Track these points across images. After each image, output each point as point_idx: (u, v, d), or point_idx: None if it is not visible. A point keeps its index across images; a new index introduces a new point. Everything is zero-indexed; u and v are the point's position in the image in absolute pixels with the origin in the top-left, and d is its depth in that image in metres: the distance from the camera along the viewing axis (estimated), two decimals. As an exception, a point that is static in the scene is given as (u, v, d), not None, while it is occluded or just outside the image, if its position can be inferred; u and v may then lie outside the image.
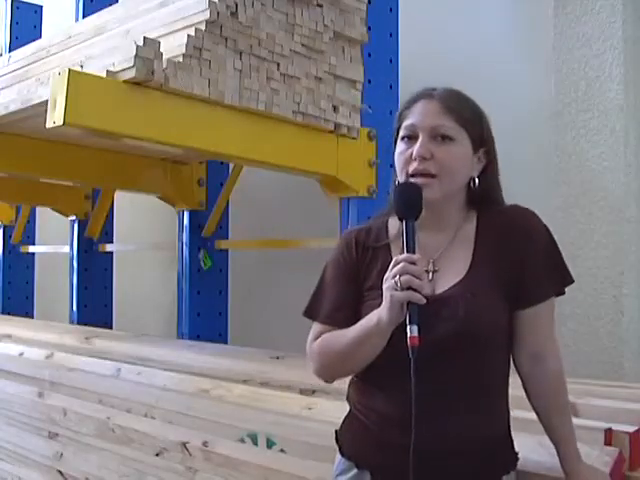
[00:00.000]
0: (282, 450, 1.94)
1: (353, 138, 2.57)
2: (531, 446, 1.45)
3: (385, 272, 1.23)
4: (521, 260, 1.29)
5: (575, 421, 1.57)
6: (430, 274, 1.29)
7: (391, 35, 2.77)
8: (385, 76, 2.73)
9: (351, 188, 2.59)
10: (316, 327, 1.37)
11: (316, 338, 1.35)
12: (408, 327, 1.16)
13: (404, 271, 1.16)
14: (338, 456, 1.40)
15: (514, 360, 1.35)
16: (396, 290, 1.17)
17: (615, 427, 1.51)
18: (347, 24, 2.51)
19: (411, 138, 1.30)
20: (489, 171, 1.35)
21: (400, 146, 1.32)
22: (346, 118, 2.53)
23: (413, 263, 1.17)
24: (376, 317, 1.22)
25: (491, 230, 1.32)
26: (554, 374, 1.33)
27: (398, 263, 1.18)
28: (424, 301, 1.16)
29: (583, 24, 2.71)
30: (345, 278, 1.36)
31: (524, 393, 1.36)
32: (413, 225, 1.22)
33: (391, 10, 2.78)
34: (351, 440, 1.38)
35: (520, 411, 1.48)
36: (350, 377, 1.41)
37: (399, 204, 1.25)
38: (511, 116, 2.94)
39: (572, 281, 1.34)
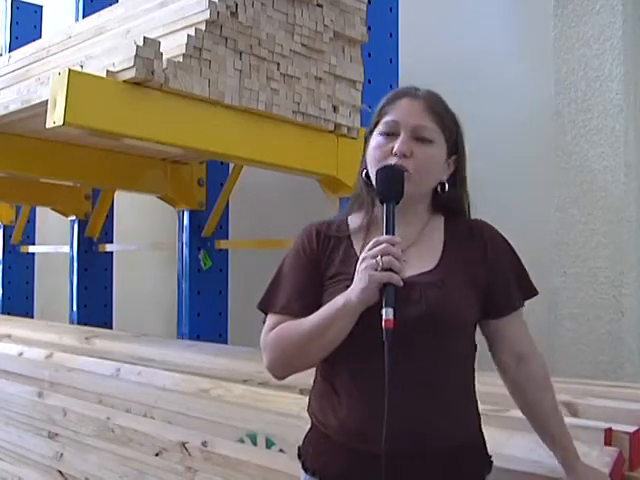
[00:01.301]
0: (281, 450, 1.94)
1: (353, 138, 2.57)
2: (530, 446, 1.45)
3: (347, 262, 1.24)
4: (489, 270, 1.30)
5: (575, 421, 1.58)
6: None
7: (391, 35, 2.77)
8: (385, 76, 2.73)
9: (351, 188, 2.57)
10: (271, 318, 1.31)
11: (271, 330, 1.29)
12: (384, 310, 1.14)
13: (386, 252, 1.15)
14: (302, 473, 1.34)
15: (499, 366, 1.35)
16: (376, 270, 1.15)
17: (615, 427, 1.51)
18: (347, 24, 2.51)
19: (390, 134, 1.29)
20: (457, 178, 1.35)
21: (377, 139, 1.31)
22: (346, 118, 2.53)
23: (394, 245, 1.16)
24: (343, 299, 1.20)
25: (459, 235, 1.33)
26: (540, 371, 1.33)
27: (379, 243, 1.16)
28: (402, 284, 1.15)
29: (583, 24, 2.71)
30: (304, 269, 1.32)
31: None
32: (394, 208, 1.21)
33: (391, 10, 2.79)
34: (313, 453, 1.33)
35: (519, 411, 1.48)
36: (311, 387, 1.37)
37: (381, 186, 1.24)
38: (511, 116, 2.95)
39: (536, 293, 1.36)
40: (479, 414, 1.34)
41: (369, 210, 1.34)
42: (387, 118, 1.31)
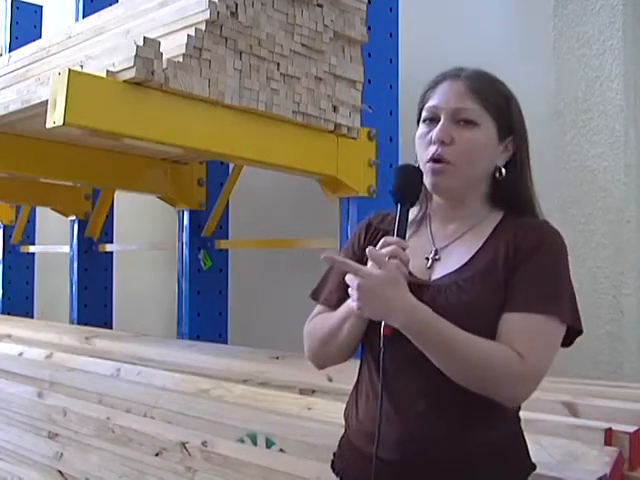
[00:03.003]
0: (281, 450, 1.94)
1: (353, 138, 2.57)
2: (530, 446, 1.45)
3: None
4: (511, 271, 1.18)
5: (575, 421, 1.58)
6: (430, 261, 1.24)
7: (391, 35, 2.77)
8: (385, 76, 2.73)
9: (351, 188, 2.59)
10: (316, 309, 1.35)
11: (312, 320, 1.34)
12: None
13: (394, 254, 1.13)
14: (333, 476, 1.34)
15: None
16: None
17: (615, 427, 1.51)
18: (347, 24, 2.51)
19: (433, 120, 1.23)
20: (516, 161, 1.25)
21: (421, 128, 1.25)
22: (346, 118, 2.53)
23: (403, 249, 1.13)
24: None
25: (506, 232, 1.22)
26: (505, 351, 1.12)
27: (389, 244, 1.14)
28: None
29: (583, 24, 2.71)
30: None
31: None
32: (407, 211, 1.18)
33: (391, 10, 2.78)
34: (339, 455, 1.34)
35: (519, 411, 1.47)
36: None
37: (395, 187, 1.19)
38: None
39: (557, 312, 1.17)
40: (518, 418, 1.25)
41: (424, 203, 1.29)
42: (428, 104, 1.24)
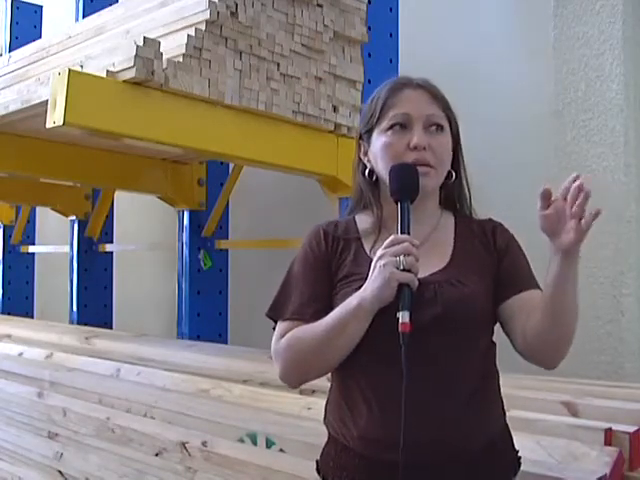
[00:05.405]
0: (281, 450, 1.94)
1: (353, 138, 2.57)
2: (530, 446, 1.45)
3: (358, 263, 1.21)
4: (498, 258, 1.27)
5: (575, 421, 1.58)
6: None
7: (391, 35, 2.77)
8: (385, 76, 2.70)
9: (351, 188, 2.59)
10: (282, 326, 1.25)
11: (282, 337, 1.23)
12: (400, 313, 1.10)
13: (408, 252, 1.11)
14: None
15: (519, 344, 1.22)
16: (397, 269, 1.11)
17: (615, 427, 1.51)
18: (347, 24, 2.51)
19: (403, 127, 1.24)
20: (459, 164, 1.32)
21: (387, 136, 1.25)
22: (346, 118, 2.53)
23: (414, 246, 1.13)
24: (357, 299, 1.15)
25: (469, 232, 1.30)
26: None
27: (399, 242, 1.12)
28: (415, 288, 1.13)
29: (583, 24, 2.71)
30: (315, 272, 1.27)
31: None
32: (409, 207, 1.18)
33: (391, 10, 2.78)
34: (333, 467, 1.26)
35: (519, 411, 1.48)
36: (327, 396, 1.32)
37: (395, 186, 1.20)
38: (511, 116, 2.95)
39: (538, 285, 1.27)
40: (504, 412, 1.28)
41: (377, 211, 1.29)
42: (395, 112, 1.25)
